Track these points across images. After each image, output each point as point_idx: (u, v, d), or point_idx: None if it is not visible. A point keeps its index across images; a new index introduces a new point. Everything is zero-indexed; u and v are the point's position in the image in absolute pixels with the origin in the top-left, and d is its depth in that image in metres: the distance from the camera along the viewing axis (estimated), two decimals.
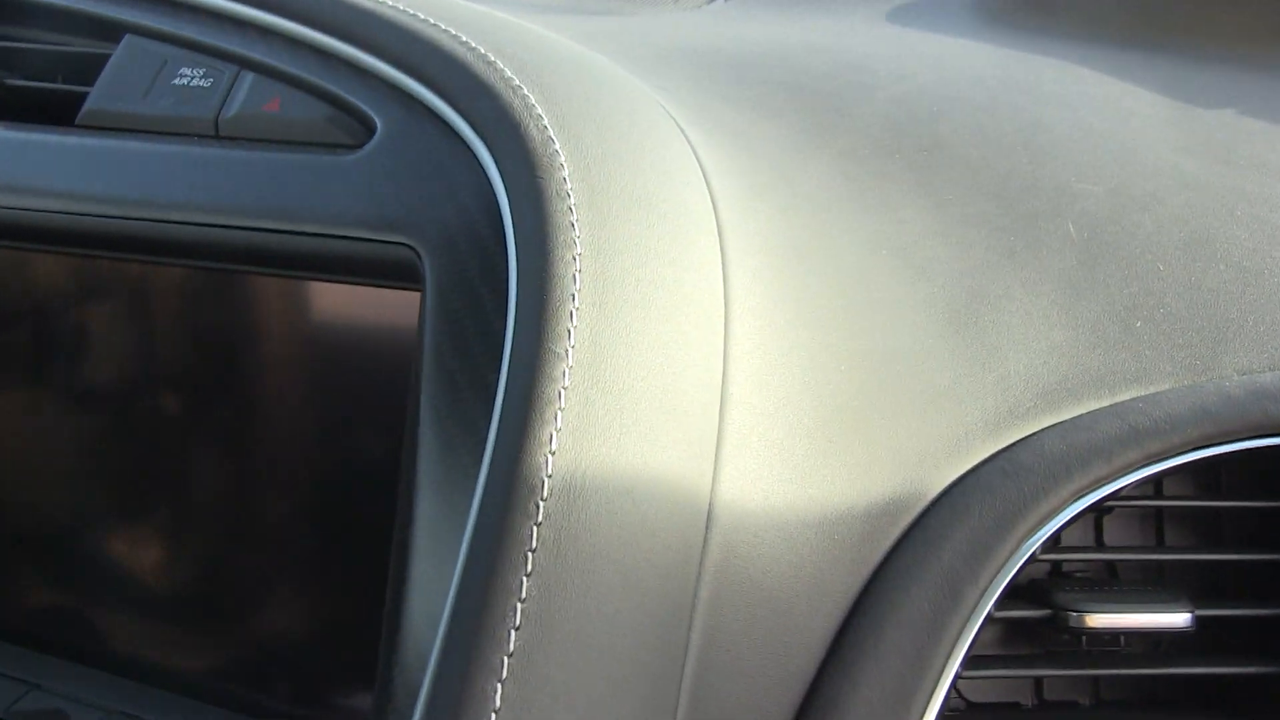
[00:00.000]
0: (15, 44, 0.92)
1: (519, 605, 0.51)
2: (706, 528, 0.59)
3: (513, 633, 0.51)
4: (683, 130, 0.74)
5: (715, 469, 0.60)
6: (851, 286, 0.72)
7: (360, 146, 0.73)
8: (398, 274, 0.70)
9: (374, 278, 0.71)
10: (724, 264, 0.66)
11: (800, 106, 0.86)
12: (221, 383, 0.81)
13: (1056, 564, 0.70)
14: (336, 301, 0.78)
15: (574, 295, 0.58)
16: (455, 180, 0.68)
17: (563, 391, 0.55)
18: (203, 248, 0.77)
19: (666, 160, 0.69)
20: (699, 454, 0.60)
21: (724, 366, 0.63)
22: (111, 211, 0.79)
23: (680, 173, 0.69)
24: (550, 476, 0.53)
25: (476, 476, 0.59)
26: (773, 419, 0.64)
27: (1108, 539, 0.71)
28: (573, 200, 0.62)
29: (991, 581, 0.63)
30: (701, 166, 0.71)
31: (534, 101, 0.67)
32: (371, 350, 0.76)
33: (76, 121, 0.83)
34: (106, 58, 0.86)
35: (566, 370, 0.56)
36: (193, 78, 0.81)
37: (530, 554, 0.52)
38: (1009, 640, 0.69)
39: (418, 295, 0.72)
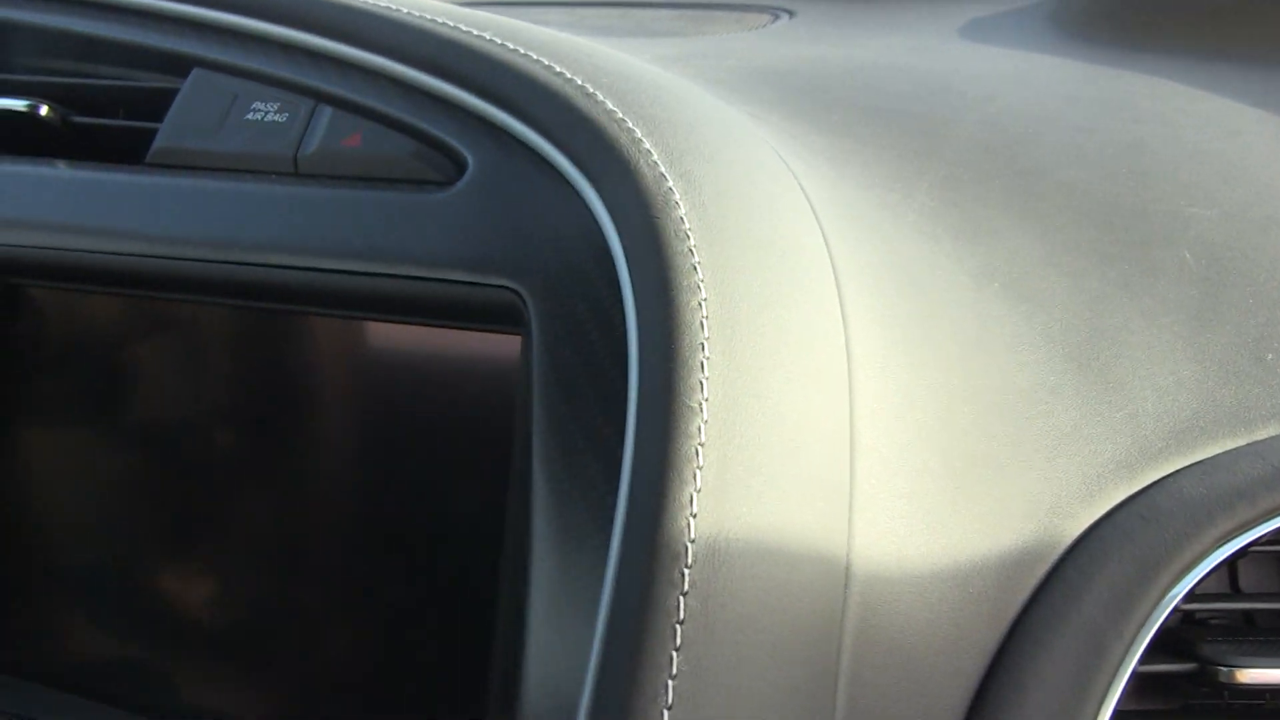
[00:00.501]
0: (77, 80, 0.89)
1: (670, 683, 0.48)
2: (845, 586, 0.56)
3: (666, 714, 0.47)
4: (784, 161, 0.71)
5: (849, 523, 0.57)
6: (967, 323, 0.69)
7: (451, 184, 0.70)
8: (497, 318, 0.67)
9: (470, 321, 0.68)
10: (841, 304, 0.63)
11: (890, 131, 0.83)
12: (278, 422, 0.78)
13: (1189, 613, 0.67)
14: (392, 339, 0.75)
15: (703, 344, 0.55)
16: (557, 220, 0.65)
17: (700, 449, 0.52)
18: (283, 290, 0.74)
19: (777, 195, 0.66)
20: (834, 509, 0.56)
21: (850, 414, 0.60)
22: (186, 253, 0.76)
23: (791, 208, 0.66)
24: (694, 541, 0.50)
25: (598, 537, 0.56)
26: (899, 467, 0.61)
27: (1243, 584, 0.67)
28: (692, 241, 0.59)
29: (1136, 634, 0.60)
30: (808, 199, 0.68)
31: (640, 135, 0.64)
32: (431, 389, 0.73)
33: (146, 160, 0.80)
34: (173, 93, 0.83)
35: (702, 426, 0.53)
36: (267, 112, 0.78)
37: (678, 626, 0.49)
38: (1144, 693, 0.66)
39: (489, 335, 0.69)
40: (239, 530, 0.79)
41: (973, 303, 0.70)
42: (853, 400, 0.60)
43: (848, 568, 0.56)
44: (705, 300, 0.57)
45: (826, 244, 0.66)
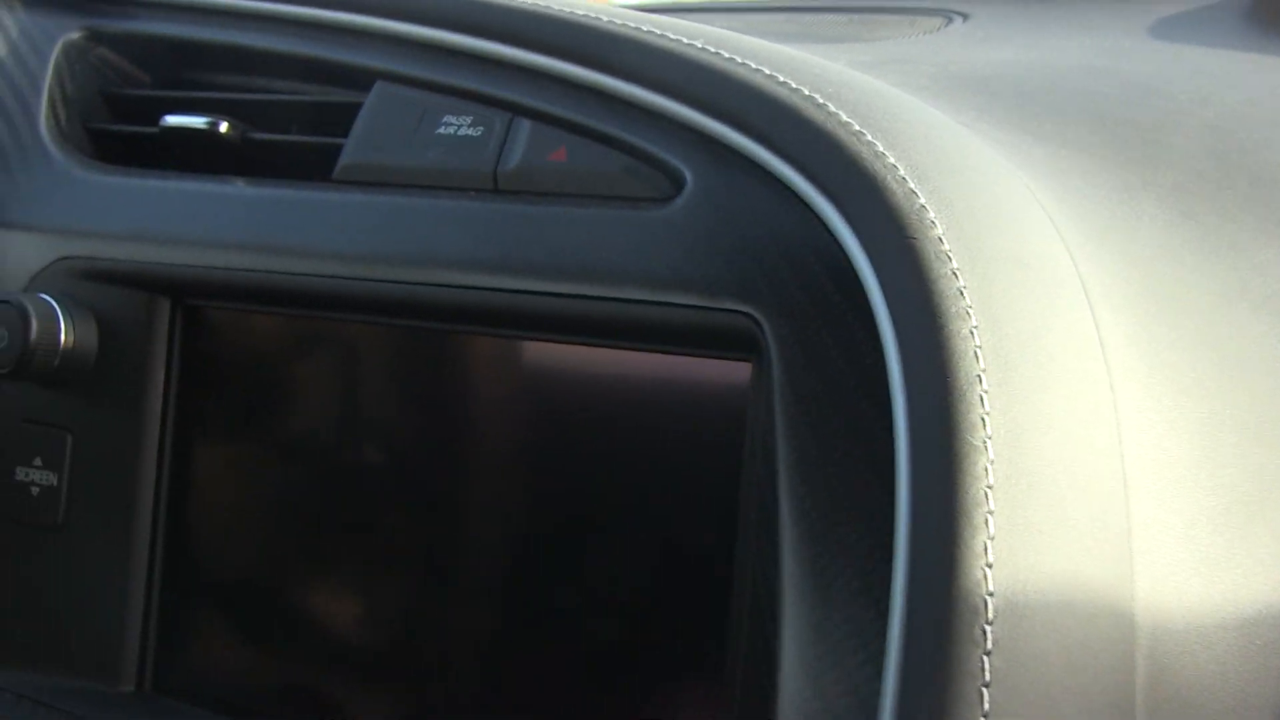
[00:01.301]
0: (253, 95, 0.87)
1: None
2: (1133, 638, 0.51)
3: None
4: (1014, 173, 0.67)
5: (1131, 569, 0.53)
6: (1222, 346, 0.64)
7: (668, 200, 0.66)
8: (727, 343, 0.63)
9: (694, 346, 0.64)
10: (1096, 327, 0.59)
11: (1107, 139, 0.78)
12: (460, 444, 0.75)
13: None
14: (580, 358, 0.71)
15: (980, 376, 0.51)
16: (790, 240, 0.61)
17: (989, 491, 0.48)
18: (483, 313, 0.71)
19: (1020, 210, 0.62)
20: (1118, 552, 0.52)
21: (1120, 447, 0.55)
22: (378, 273, 0.73)
23: (1036, 224, 0.62)
24: (992, 594, 0.46)
25: (870, 588, 0.52)
26: (1170, 505, 0.57)
27: None
28: (955, 263, 0.54)
29: None
30: (1047, 214, 0.64)
31: (881, 149, 0.59)
32: (634, 412, 0.70)
33: (334, 176, 0.77)
34: (350, 107, 0.80)
35: (989, 466, 0.48)
36: (459, 126, 0.75)
37: (984, 690, 0.45)
38: None
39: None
40: (425, 557, 0.76)
41: (1224, 323, 0.65)
42: (1120, 433, 0.56)
43: (1134, 619, 0.52)
44: (976, 328, 0.53)
45: (1074, 261, 0.61)
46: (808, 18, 1.11)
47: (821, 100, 0.63)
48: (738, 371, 0.64)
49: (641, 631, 0.67)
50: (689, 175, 0.66)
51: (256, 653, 0.82)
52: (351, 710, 0.78)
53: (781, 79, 0.65)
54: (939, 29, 1.07)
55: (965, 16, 1.07)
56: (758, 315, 0.60)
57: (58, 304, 0.82)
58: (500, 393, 0.74)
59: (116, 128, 0.90)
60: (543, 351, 0.72)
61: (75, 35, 0.93)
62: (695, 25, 0.72)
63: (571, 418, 0.71)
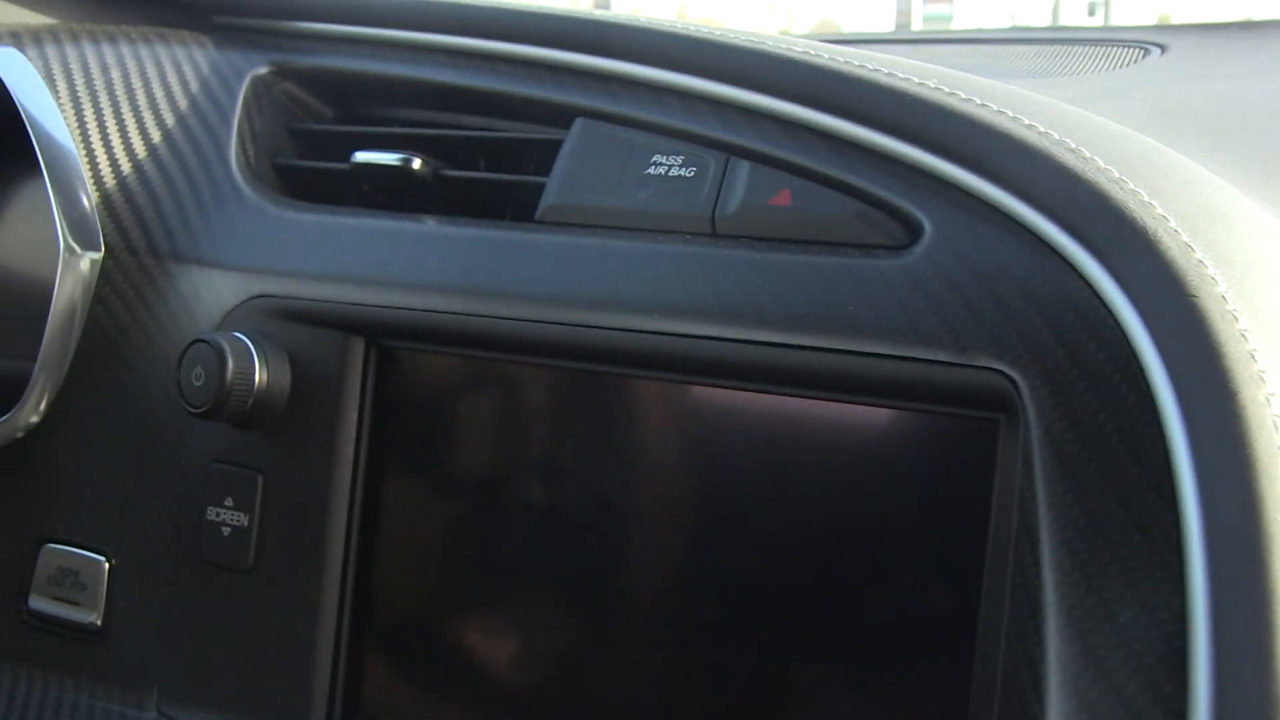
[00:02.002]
0: (444, 131, 0.85)
1: None
2: None
3: None
4: (1272, 220, 0.63)
5: None
6: None
7: (903, 249, 0.63)
8: (973, 401, 0.60)
9: (934, 403, 0.61)
10: None
11: None
12: (646, 491, 0.72)
13: None
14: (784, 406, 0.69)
15: None
16: (1044, 295, 0.58)
17: None
18: (702, 363, 0.68)
19: None
20: None
21: None
22: (589, 319, 0.71)
23: None
24: None
25: (1141, 681, 0.48)
26: None
27: None
28: (1242, 324, 0.51)
29: None
30: None
31: (1148, 199, 0.56)
32: (808, 458, 0.67)
33: (536, 217, 0.75)
34: (551, 144, 0.78)
35: None
36: (670, 166, 0.72)
37: None
38: None
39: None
40: (613, 602, 0.74)
41: None
42: None
43: None
44: (1272, 395, 0.49)
45: None
46: (993, 49, 1.08)
47: (1075, 145, 0.60)
48: (979, 430, 0.60)
49: (869, 702, 0.65)
50: (927, 223, 0.63)
51: (439, 692, 0.81)
52: None
53: (1028, 122, 0.62)
54: (1137, 60, 1.03)
55: (1163, 48, 1.03)
56: (1014, 375, 0.57)
57: (252, 343, 0.81)
58: (711, 443, 0.71)
59: (307, 164, 0.89)
60: (749, 401, 0.70)
61: (263, 70, 0.92)
62: (921, 64, 0.69)
63: (780, 469, 0.68)
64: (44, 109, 0.90)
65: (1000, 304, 0.59)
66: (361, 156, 0.85)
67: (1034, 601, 0.54)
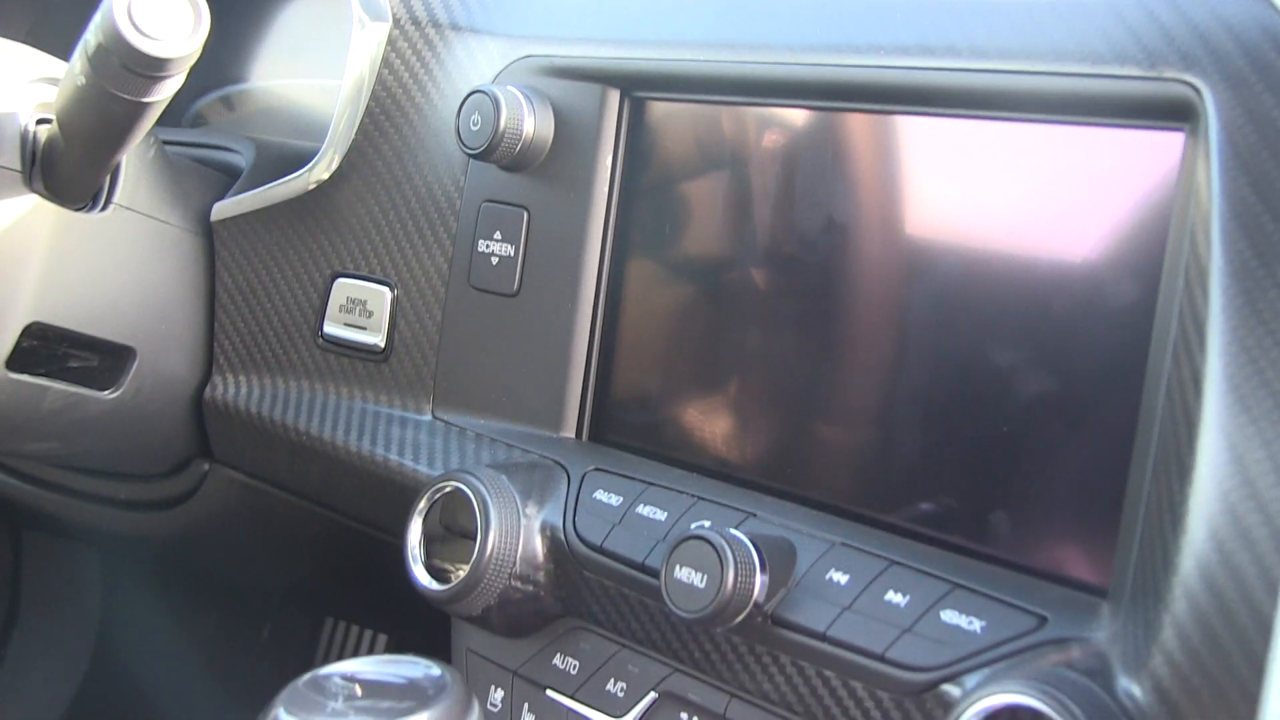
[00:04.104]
0: None
1: None
2: None
3: None
4: None
5: None
6: None
7: None
8: (1163, 113, 0.68)
9: (1128, 117, 0.70)
10: None
11: None
12: (866, 223, 0.81)
13: None
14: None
15: None
16: (1229, 14, 0.65)
17: None
18: (922, 92, 0.77)
19: None
20: None
21: None
22: (831, 59, 0.81)
23: None
24: None
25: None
26: None
27: None
28: None
29: None
30: None
31: None
32: (1007, 185, 0.75)
33: None
34: None
35: None
36: None
37: None
38: None
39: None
40: (824, 332, 0.83)
41: None
42: None
43: None
44: None
45: None
46: None
47: None
48: (1166, 144, 0.69)
49: (1045, 415, 0.74)
50: None
51: (673, 410, 0.92)
52: (740, 456, 0.86)
53: None
54: None
55: None
56: (1199, 84, 0.65)
57: (522, 94, 0.93)
58: (915, 172, 0.81)
59: None
60: (968, 132, 0.78)
61: None
62: None
63: (992, 196, 0.77)
64: None
65: (1189, 23, 0.66)
66: None
67: (1202, 281, 0.63)
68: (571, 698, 0.86)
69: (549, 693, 0.87)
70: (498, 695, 0.90)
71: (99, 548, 1.65)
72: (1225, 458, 0.60)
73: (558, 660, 0.87)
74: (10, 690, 1.67)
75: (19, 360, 1.02)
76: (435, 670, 0.67)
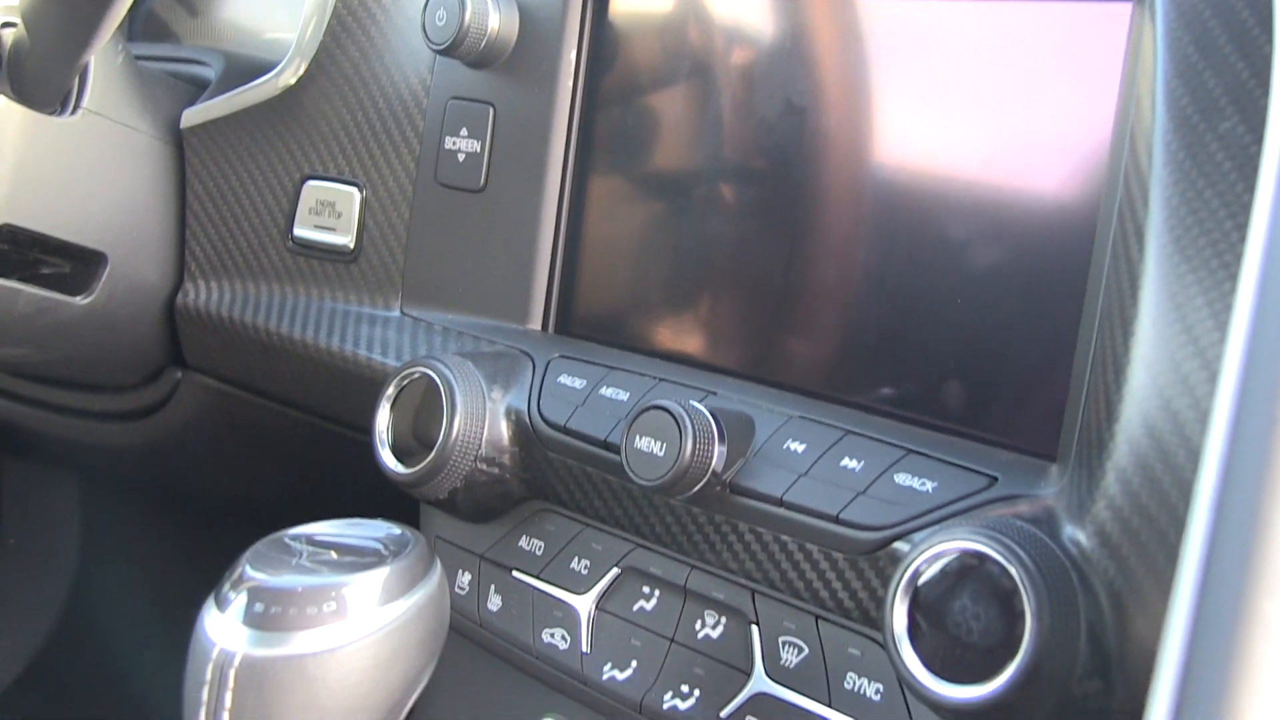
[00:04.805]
0: None
1: None
2: None
3: None
4: None
5: None
6: None
7: None
8: None
9: None
10: None
11: None
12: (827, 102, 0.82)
13: None
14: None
15: None
16: None
17: None
18: None
19: None
20: None
21: None
22: None
23: None
24: None
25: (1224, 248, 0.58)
26: None
27: None
28: None
29: None
30: None
31: None
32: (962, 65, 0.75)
33: None
34: None
35: None
36: None
37: None
38: None
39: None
40: (791, 212, 0.84)
41: None
42: None
43: None
44: None
45: None
46: None
47: None
48: (1115, 13, 0.70)
49: (998, 286, 0.75)
50: None
51: (637, 301, 0.93)
52: (703, 342, 0.88)
53: None
54: None
55: None
56: None
57: None
58: (871, 56, 0.82)
59: None
60: (907, 11, 0.79)
61: None
62: None
63: (935, 75, 0.78)
64: None
65: None
66: None
67: (1144, 187, 0.64)
68: (537, 577, 0.87)
69: (515, 573, 0.88)
70: (465, 579, 0.91)
71: (78, 473, 1.66)
72: (1166, 307, 0.61)
73: (523, 542, 0.88)
74: None
75: None
76: (397, 530, 0.68)
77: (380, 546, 0.66)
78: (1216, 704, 0.44)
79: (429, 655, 0.66)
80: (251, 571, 0.63)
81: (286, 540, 0.67)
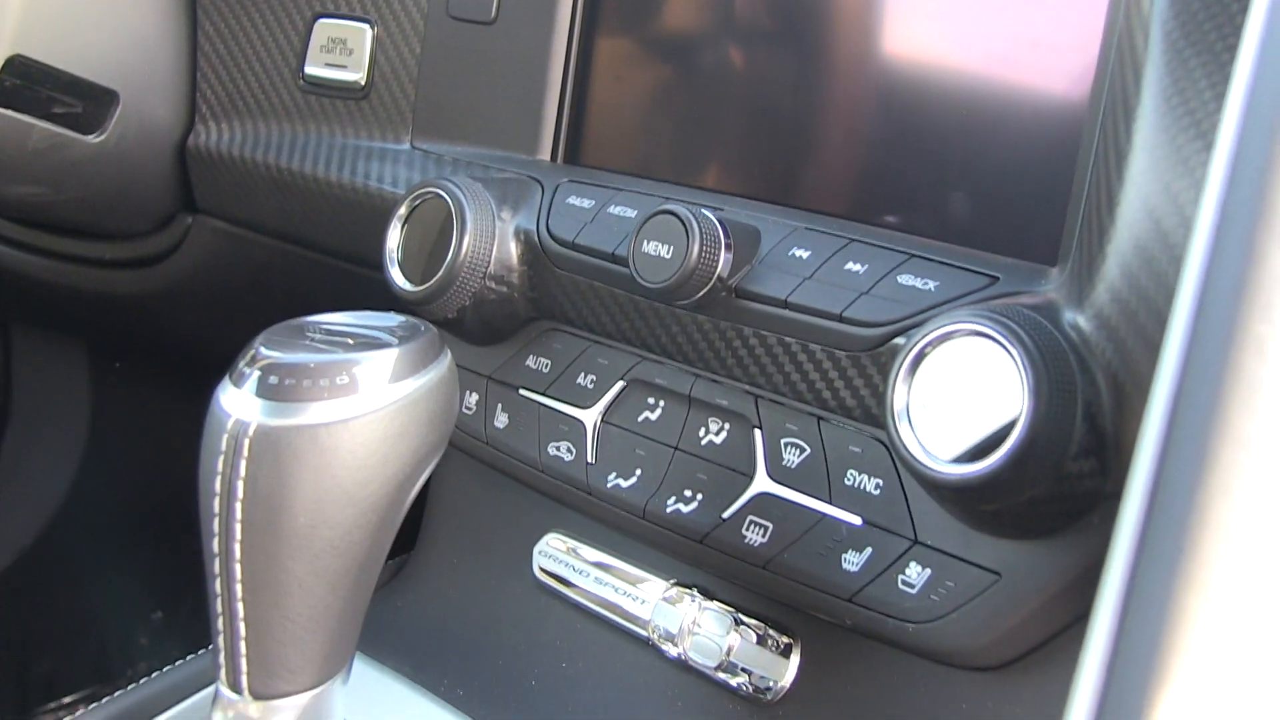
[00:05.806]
0: None
1: None
2: None
3: None
4: None
5: None
6: None
7: None
8: None
9: None
10: None
11: None
12: None
13: None
14: None
15: None
16: None
17: None
18: None
19: None
20: None
21: None
22: None
23: None
24: None
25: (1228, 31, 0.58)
26: None
27: None
28: None
29: None
30: None
31: None
32: None
33: None
34: None
35: None
36: None
37: None
38: None
39: None
40: (798, 73, 0.85)
41: None
42: None
43: None
44: None
45: None
46: None
47: None
48: None
49: (1004, 100, 0.76)
50: None
51: (646, 131, 0.94)
52: (710, 167, 0.88)
53: None
54: None
55: None
56: None
57: None
58: None
59: None
60: None
61: None
62: None
63: None
64: None
65: None
66: None
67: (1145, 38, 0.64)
68: (543, 394, 0.88)
69: (521, 391, 0.90)
70: (472, 399, 0.92)
71: (87, 341, 1.68)
72: (1169, 93, 0.62)
73: (530, 361, 0.90)
74: (7, 483, 1.70)
75: (3, 98, 1.03)
76: (407, 319, 0.69)
77: (392, 331, 0.67)
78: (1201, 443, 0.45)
79: (438, 436, 0.67)
80: (265, 350, 0.64)
81: (297, 325, 0.68)
